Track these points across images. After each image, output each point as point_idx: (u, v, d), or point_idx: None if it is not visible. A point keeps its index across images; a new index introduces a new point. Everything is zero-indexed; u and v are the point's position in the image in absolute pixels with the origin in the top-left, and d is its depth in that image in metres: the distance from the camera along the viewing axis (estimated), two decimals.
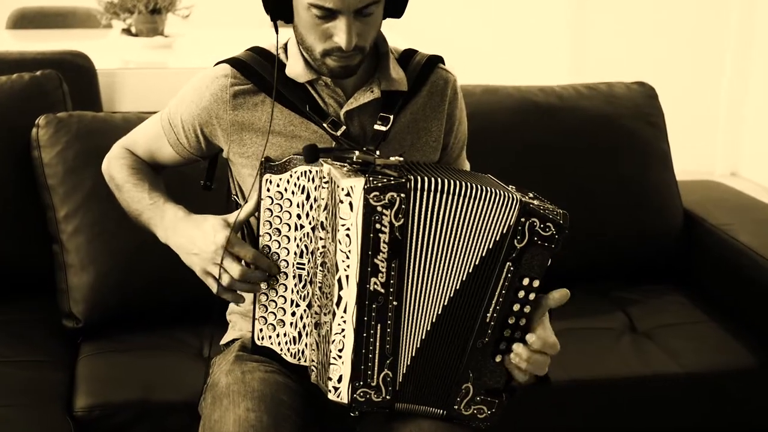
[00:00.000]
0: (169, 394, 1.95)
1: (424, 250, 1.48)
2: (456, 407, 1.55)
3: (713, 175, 5.22)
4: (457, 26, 5.38)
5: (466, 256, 1.50)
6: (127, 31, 3.83)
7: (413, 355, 1.51)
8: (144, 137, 1.81)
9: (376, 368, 1.49)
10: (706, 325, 2.30)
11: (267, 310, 1.61)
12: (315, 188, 1.54)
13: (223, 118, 1.69)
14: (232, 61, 1.69)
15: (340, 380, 1.50)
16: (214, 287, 1.61)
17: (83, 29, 4.36)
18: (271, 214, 1.58)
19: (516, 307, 1.52)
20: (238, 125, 1.68)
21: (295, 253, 1.58)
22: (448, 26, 5.33)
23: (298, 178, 1.56)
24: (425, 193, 1.47)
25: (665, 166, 2.56)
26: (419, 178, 1.47)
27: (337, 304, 1.48)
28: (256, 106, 1.68)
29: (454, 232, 1.49)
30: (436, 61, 1.76)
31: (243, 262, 1.59)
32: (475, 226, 1.50)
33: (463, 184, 1.49)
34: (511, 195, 1.50)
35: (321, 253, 1.54)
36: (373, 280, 1.46)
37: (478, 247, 1.50)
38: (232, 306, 1.83)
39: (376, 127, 1.65)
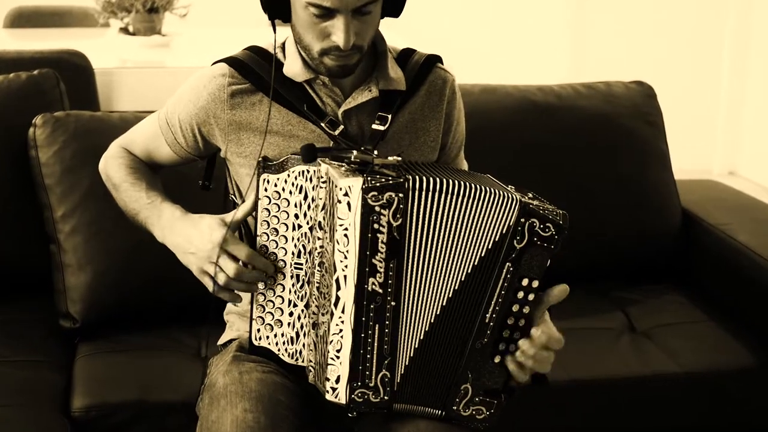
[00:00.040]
0: (166, 394, 1.94)
1: (422, 250, 1.48)
2: (455, 408, 1.54)
3: (711, 175, 5.22)
4: (455, 25, 5.38)
5: (465, 256, 1.50)
6: (124, 30, 3.82)
7: (411, 355, 1.51)
8: (141, 136, 1.80)
9: (374, 369, 1.49)
10: (705, 325, 2.30)
11: (264, 310, 1.61)
12: (313, 188, 1.53)
13: (220, 117, 1.68)
14: (230, 61, 1.69)
15: (337, 381, 1.49)
16: (210, 286, 1.60)
17: (80, 28, 4.35)
18: (269, 214, 1.58)
19: (515, 308, 1.52)
20: (235, 125, 1.68)
21: (293, 253, 1.57)
22: (446, 25, 5.33)
23: (295, 178, 1.55)
24: (424, 193, 1.47)
25: (664, 165, 2.56)
26: (418, 177, 1.47)
27: (335, 305, 1.48)
28: (254, 106, 1.67)
29: (452, 232, 1.49)
30: (434, 60, 1.76)
31: (240, 261, 1.58)
32: (474, 227, 1.49)
33: (462, 183, 1.48)
34: (510, 195, 1.50)
35: (319, 253, 1.53)
36: (371, 280, 1.46)
37: (477, 247, 1.50)
38: (229, 306, 1.83)
39: (374, 126, 1.65)
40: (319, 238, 1.53)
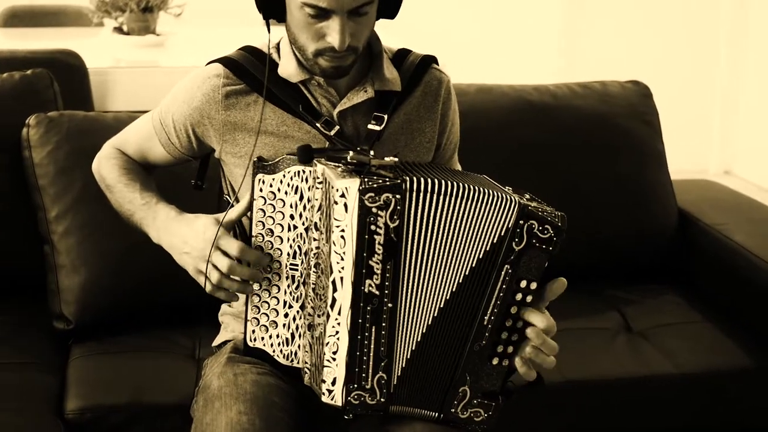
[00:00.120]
0: (161, 396, 1.94)
1: (419, 251, 1.47)
2: (453, 410, 1.54)
3: (707, 174, 5.23)
4: (451, 25, 5.37)
5: (463, 258, 1.49)
6: (118, 30, 3.81)
7: (408, 357, 1.50)
8: (135, 137, 1.80)
9: (370, 371, 1.48)
10: (701, 325, 2.30)
11: (259, 311, 1.60)
12: (308, 188, 1.53)
13: (215, 118, 1.67)
14: (224, 61, 1.68)
15: (334, 383, 1.48)
16: (206, 285, 1.60)
17: (74, 27, 4.34)
18: (264, 215, 1.57)
19: (513, 310, 1.51)
20: (230, 125, 1.67)
21: (288, 254, 1.57)
22: (442, 25, 5.32)
23: (291, 178, 1.54)
24: (421, 194, 1.46)
25: (660, 165, 2.56)
26: (415, 179, 1.46)
27: (332, 306, 1.47)
28: (249, 106, 1.66)
29: (450, 234, 1.48)
30: (429, 61, 1.75)
31: (232, 257, 1.57)
32: (472, 228, 1.49)
33: (460, 185, 1.47)
34: (509, 197, 1.49)
35: (315, 254, 1.52)
36: (367, 282, 1.45)
37: (475, 249, 1.49)
38: (224, 307, 1.82)
39: (370, 126, 1.64)
40: (315, 239, 1.52)
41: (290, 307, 1.58)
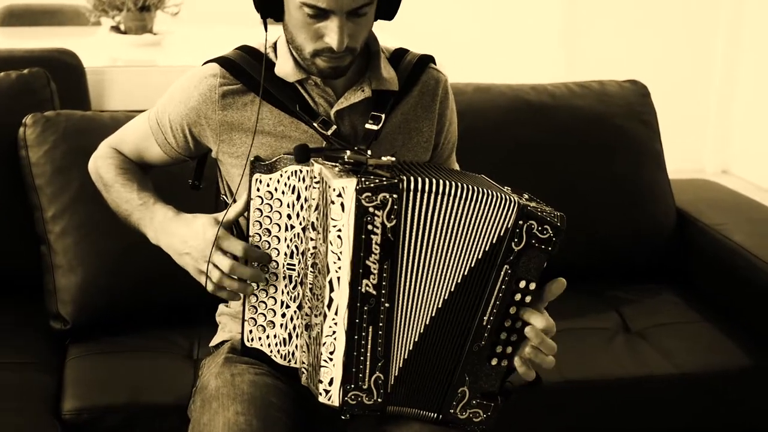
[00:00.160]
0: (158, 396, 1.93)
1: (417, 251, 1.47)
2: (452, 411, 1.54)
3: (704, 173, 5.23)
4: (449, 24, 5.37)
5: (461, 258, 1.49)
6: (115, 29, 3.81)
7: (406, 357, 1.50)
8: (131, 136, 1.79)
9: (367, 371, 1.48)
10: (699, 325, 2.29)
11: (257, 311, 1.60)
12: (306, 188, 1.52)
13: (212, 118, 1.67)
14: (221, 61, 1.68)
15: (331, 383, 1.48)
16: (208, 285, 1.59)
17: (71, 26, 4.34)
18: (261, 214, 1.57)
19: (512, 310, 1.51)
20: (227, 125, 1.67)
21: (286, 254, 1.56)
22: (440, 24, 5.32)
23: (288, 178, 1.54)
24: (418, 194, 1.45)
25: (658, 164, 2.55)
26: (412, 178, 1.46)
27: (329, 306, 1.46)
28: (246, 106, 1.66)
29: (448, 234, 1.48)
30: (427, 60, 1.75)
31: (233, 257, 1.57)
32: (470, 228, 1.48)
33: (458, 185, 1.47)
34: (508, 197, 1.49)
35: (312, 254, 1.52)
36: (364, 281, 1.45)
37: (473, 249, 1.49)
38: (221, 307, 1.82)
39: (368, 126, 1.64)
40: (312, 239, 1.52)
41: (287, 307, 1.57)
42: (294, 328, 1.57)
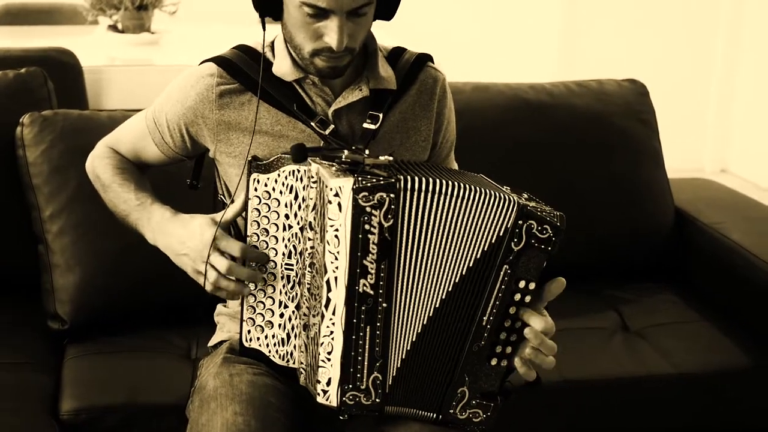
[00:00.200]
0: (156, 396, 1.93)
1: (414, 251, 1.47)
2: (451, 411, 1.53)
3: (703, 172, 5.22)
4: (447, 23, 5.37)
5: (460, 258, 1.48)
6: (113, 28, 3.80)
7: (404, 357, 1.49)
8: (128, 136, 1.79)
9: (365, 371, 1.47)
10: (698, 325, 2.29)
11: (255, 311, 1.59)
12: (303, 188, 1.52)
13: (209, 117, 1.66)
14: (218, 60, 1.67)
15: (329, 383, 1.48)
16: (206, 286, 1.59)
17: (69, 26, 4.33)
18: (259, 214, 1.56)
19: (512, 310, 1.50)
20: (224, 125, 1.66)
21: (284, 254, 1.56)
22: (438, 23, 5.31)
23: (286, 178, 1.54)
24: (416, 193, 1.45)
25: (656, 163, 2.55)
26: (409, 178, 1.45)
27: (326, 306, 1.46)
28: (243, 106, 1.66)
29: (446, 234, 1.47)
30: (425, 59, 1.75)
31: (231, 257, 1.56)
32: (469, 228, 1.48)
33: (456, 184, 1.47)
34: (508, 197, 1.48)
35: (309, 254, 1.52)
36: (362, 281, 1.44)
37: (472, 249, 1.48)
38: (219, 307, 1.81)
39: (366, 125, 1.63)
40: (309, 239, 1.51)
41: (286, 307, 1.57)
42: (292, 328, 1.57)
